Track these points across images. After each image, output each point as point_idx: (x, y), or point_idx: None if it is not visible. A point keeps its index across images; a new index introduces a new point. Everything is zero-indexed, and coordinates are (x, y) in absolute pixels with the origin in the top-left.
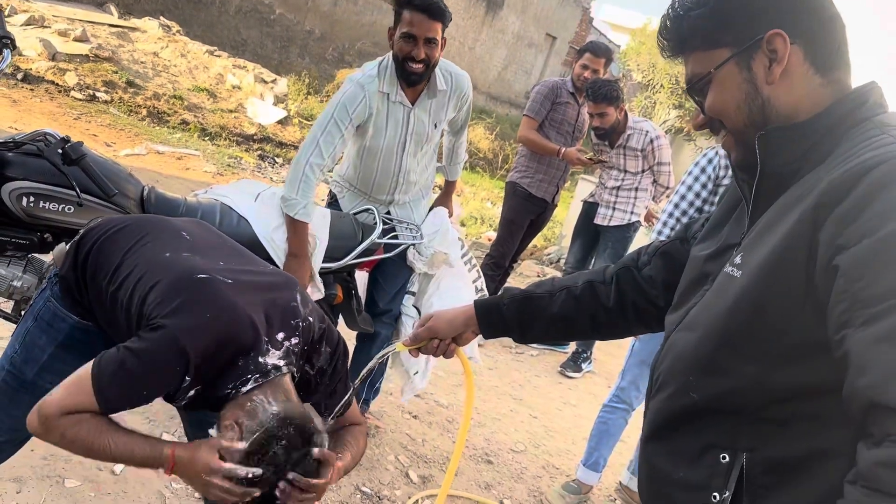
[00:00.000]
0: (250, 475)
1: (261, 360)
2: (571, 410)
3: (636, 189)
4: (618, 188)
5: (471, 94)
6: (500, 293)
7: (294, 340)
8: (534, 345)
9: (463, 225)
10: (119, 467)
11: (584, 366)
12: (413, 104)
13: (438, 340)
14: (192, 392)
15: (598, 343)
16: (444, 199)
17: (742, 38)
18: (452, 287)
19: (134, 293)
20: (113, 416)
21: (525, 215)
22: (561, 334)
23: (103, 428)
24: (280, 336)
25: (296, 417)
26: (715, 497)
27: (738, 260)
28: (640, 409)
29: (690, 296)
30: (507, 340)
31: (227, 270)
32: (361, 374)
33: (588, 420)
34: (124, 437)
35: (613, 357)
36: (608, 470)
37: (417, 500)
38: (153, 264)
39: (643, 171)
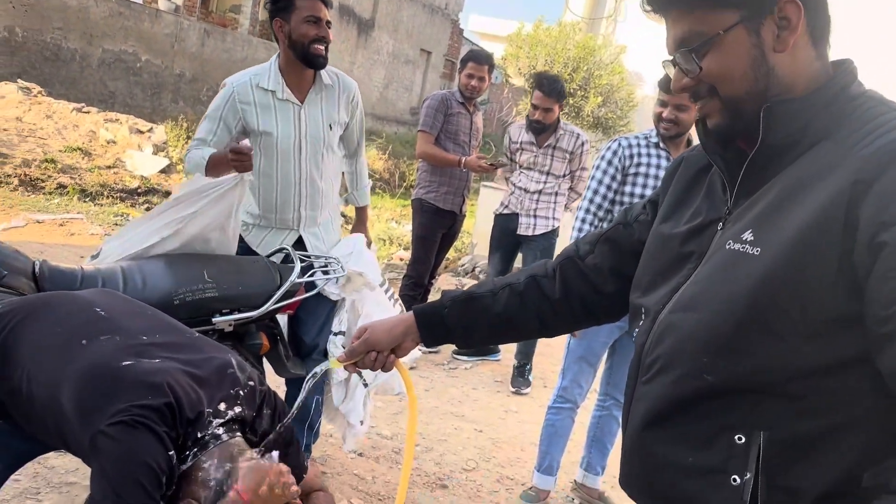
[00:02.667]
0: None
1: (199, 433)
2: (514, 417)
3: (556, 194)
4: (539, 192)
5: (360, 99)
6: (440, 297)
7: (237, 409)
8: (464, 357)
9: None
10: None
11: (530, 378)
12: (302, 103)
13: (376, 353)
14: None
15: None
16: (360, 227)
17: (753, 1)
18: (377, 314)
19: (57, 392)
20: None
21: (436, 230)
22: (506, 334)
23: None
24: (222, 406)
25: None
26: (735, 480)
27: (747, 236)
28: (585, 404)
29: (672, 274)
30: (439, 358)
31: (151, 346)
32: (297, 403)
33: (532, 424)
34: None
35: (545, 356)
36: (560, 470)
37: None
38: (72, 357)
39: (565, 175)
